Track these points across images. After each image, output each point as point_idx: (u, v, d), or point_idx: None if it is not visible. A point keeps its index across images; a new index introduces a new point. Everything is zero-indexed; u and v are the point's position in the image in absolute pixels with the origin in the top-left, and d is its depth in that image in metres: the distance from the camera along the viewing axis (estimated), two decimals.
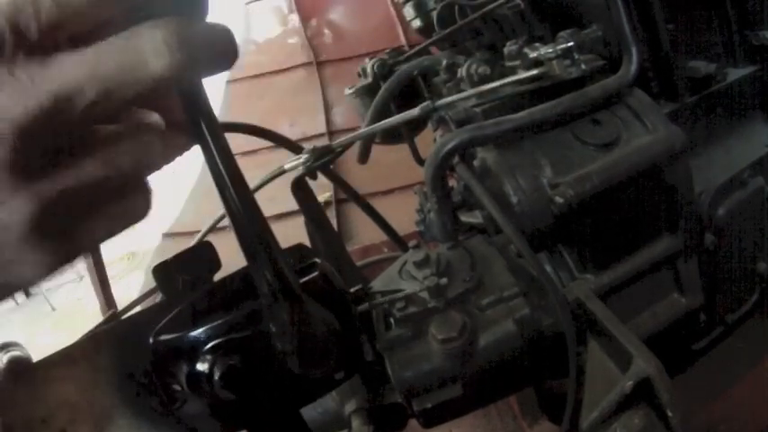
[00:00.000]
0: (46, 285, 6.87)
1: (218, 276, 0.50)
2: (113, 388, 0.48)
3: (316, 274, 0.50)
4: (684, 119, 0.91)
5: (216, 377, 0.44)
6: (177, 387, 0.46)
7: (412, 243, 0.78)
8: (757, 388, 1.25)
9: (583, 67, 0.75)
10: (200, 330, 0.45)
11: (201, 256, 0.50)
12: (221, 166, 0.34)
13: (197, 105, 0.33)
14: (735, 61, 1.00)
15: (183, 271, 0.48)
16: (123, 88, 0.26)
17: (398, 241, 1.07)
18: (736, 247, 0.95)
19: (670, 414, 0.62)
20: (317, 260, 0.53)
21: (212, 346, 0.45)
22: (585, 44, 0.78)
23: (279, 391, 0.49)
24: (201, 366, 0.45)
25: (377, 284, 0.74)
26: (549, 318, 0.74)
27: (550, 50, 0.73)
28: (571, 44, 0.75)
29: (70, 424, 0.46)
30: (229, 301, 0.47)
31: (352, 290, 0.60)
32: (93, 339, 0.50)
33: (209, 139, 0.33)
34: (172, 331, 0.46)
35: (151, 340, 0.46)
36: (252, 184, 0.65)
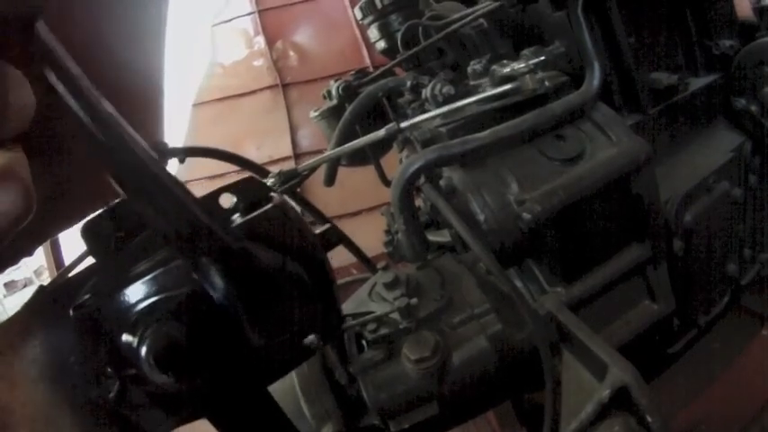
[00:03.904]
0: (10, 305, 6.67)
1: None
2: (47, 381, 0.38)
3: (267, 207, 0.39)
4: (648, 129, 0.93)
5: (143, 353, 0.32)
6: (108, 370, 0.36)
7: (381, 264, 0.78)
8: (734, 386, 1.28)
9: (546, 83, 0.77)
10: (125, 291, 0.34)
11: None
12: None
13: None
14: (696, 71, 1.03)
15: (117, 225, 0.39)
16: None
17: (367, 263, 1.07)
18: (705, 251, 0.97)
19: (650, 419, 0.63)
20: (274, 194, 0.43)
21: (143, 311, 0.34)
22: (548, 61, 0.79)
23: (238, 365, 0.38)
24: (128, 338, 0.34)
25: (347, 307, 0.74)
26: (522, 332, 0.74)
27: (523, 65, 0.75)
28: (543, 58, 0.76)
29: (3, 430, 0.36)
30: (166, 255, 0.37)
31: (319, 230, 0.46)
32: (17, 323, 0.39)
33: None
34: (95, 299, 0.36)
35: (71, 313, 0.36)
36: None
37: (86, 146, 0.30)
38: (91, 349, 0.36)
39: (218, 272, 0.33)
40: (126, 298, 0.35)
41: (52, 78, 0.28)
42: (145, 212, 0.31)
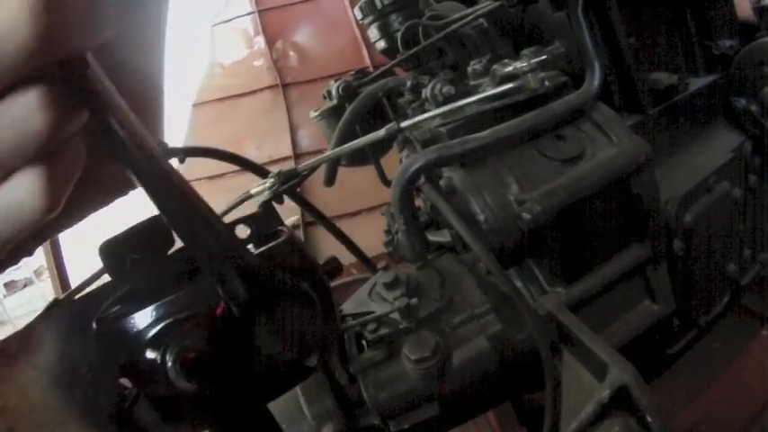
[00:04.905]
0: (10, 305, 6.63)
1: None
2: (58, 387, 0.40)
3: (281, 240, 0.44)
4: (648, 130, 0.93)
5: (170, 363, 0.37)
6: (125, 382, 0.40)
7: (381, 264, 0.78)
8: (734, 386, 1.28)
9: (547, 83, 0.77)
10: (146, 310, 0.38)
11: (154, 231, 0.43)
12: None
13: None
14: (696, 71, 1.03)
15: (133, 248, 0.42)
16: None
17: (367, 263, 1.07)
18: (705, 251, 0.97)
19: (650, 419, 0.63)
20: (283, 227, 0.48)
21: (163, 329, 0.38)
22: (548, 61, 0.79)
23: (244, 380, 0.42)
24: (152, 354, 0.38)
25: (347, 307, 0.74)
26: (522, 333, 0.74)
27: (524, 64, 0.75)
28: (545, 57, 0.76)
29: None
30: (183, 276, 0.41)
31: (323, 262, 0.53)
32: (31, 330, 0.42)
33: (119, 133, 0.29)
34: (115, 315, 0.39)
35: (94, 327, 0.39)
36: (219, 208, 0.64)
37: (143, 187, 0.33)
38: (109, 360, 0.39)
39: (242, 288, 0.37)
40: (149, 315, 0.38)
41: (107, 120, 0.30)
42: (186, 239, 0.36)
